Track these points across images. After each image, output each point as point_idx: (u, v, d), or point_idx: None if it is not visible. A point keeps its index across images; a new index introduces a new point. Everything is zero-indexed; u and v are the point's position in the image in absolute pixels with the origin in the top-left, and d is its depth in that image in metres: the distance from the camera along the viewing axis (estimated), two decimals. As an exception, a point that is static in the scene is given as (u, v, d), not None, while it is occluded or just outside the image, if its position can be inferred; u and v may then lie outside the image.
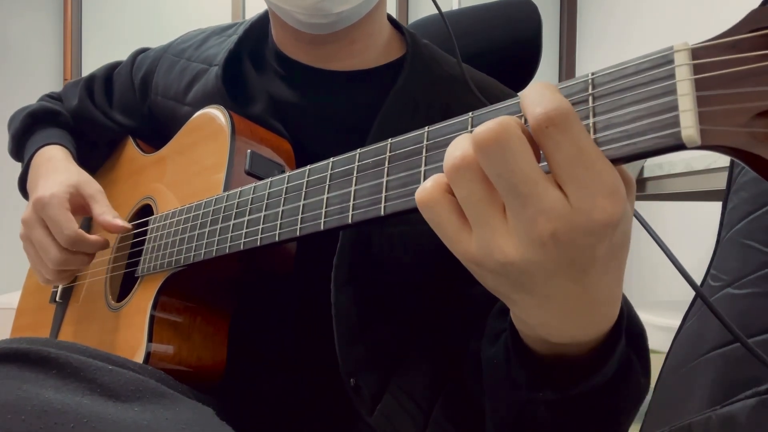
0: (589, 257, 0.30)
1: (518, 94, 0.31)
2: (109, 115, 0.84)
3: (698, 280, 0.77)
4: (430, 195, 0.32)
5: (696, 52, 0.28)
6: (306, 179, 0.47)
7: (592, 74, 0.31)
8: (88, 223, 0.82)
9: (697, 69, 0.28)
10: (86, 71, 2.68)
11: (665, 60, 0.29)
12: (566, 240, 0.29)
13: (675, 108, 0.28)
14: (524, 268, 0.31)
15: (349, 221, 0.41)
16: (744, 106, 0.26)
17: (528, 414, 0.42)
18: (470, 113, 0.36)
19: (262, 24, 0.75)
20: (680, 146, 0.28)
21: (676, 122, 0.28)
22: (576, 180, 0.29)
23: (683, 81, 0.28)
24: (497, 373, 0.46)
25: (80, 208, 0.70)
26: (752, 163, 0.27)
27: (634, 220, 0.38)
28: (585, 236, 0.29)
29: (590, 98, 0.31)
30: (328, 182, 0.44)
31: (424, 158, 0.37)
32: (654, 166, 1.55)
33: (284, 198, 0.48)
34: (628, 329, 0.42)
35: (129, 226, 0.67)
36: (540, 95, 0.29)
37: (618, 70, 0.30)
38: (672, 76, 0.28)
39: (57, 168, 0.73)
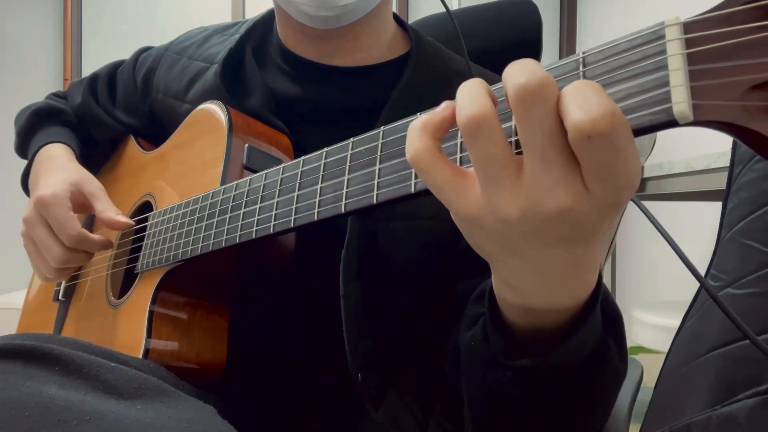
0: (590, 233, 0.31)
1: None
2: (112, 114, 0.84)
3: (698, 280, 0.77)
4: (420, 158, 0.32)
5: (688, 26, 0.27)
6: (300, 170, 0.47)
7: (583, 53, 0.31)
8: (90, 221, 0.82)
9: (689, 43, 0.27)
10: (86, 71, 2.68)
11: (656, 35, 0.28)
12: (574, 219, 0.30)
13: (666, 83, 0.27)
14: (523, 230, 0.31)
15: (342, 210, 0.41)
16: (738, 79, 0.26)
17: (504, 392, 0.42)
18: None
19: (266, 21, 0.75)
20: (672, 122, 0.27)
21: (667, 98, 0.27)
22: (609, 177, 0.28)
23: (674, 56, 0.27)
24: (474, 354, 0.46)
25: (81, 206, 0.70)
26: (747, 139, 0.27)
27: (642, 216, 0.39)
28: (595, 217, 0.30)
29: (581, 77, 0.30)
30: (321, 172, 0.44)
31: None
32: (654, 166, 1.55)
33: (279, 189, 0.48)
34: (605, 312, 0.43)
35: (131, 222, 0.67)
36: (590, 103, 0.28)
37: (609, 48, 0.30)
38: (663, 51, 0.28)
39: (58, 166, 0.74)
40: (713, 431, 0.59)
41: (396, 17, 0.74)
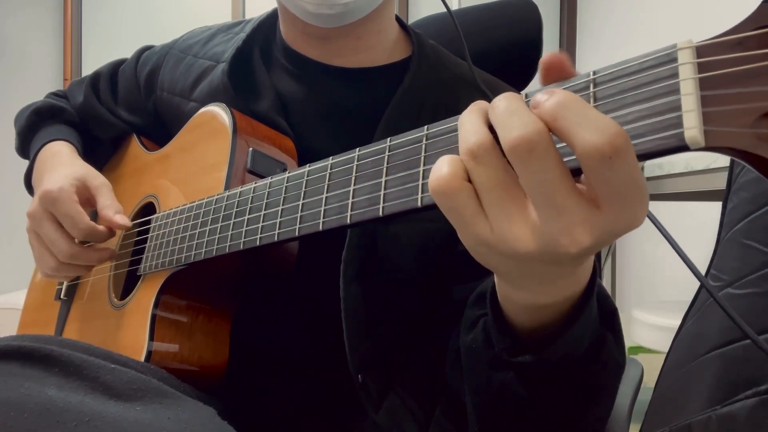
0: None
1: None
2: (114, 112, 0.84)
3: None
4: (448, 183, 0.31)
5: (700, 50, 0.27)
6: (305, 179, 0.46)
7: (594, 73, 0.30)
8: (93, 215, 0.82)
9: (701, 67, 0.27)
10: (86, 71, 2.68)
11: (669, 58, 0.28)
12: (599, 246, 0.30)
13: (678, 108, 0.27)
14: (539, 258, 0.31)
15: (348, 222, 0.41)
16: (749, 107, 0.26)
17: (508, 392, 0.43)
18: None
19: (271, 21, 0.75)
20: (683, 147, 0.27)
21: (679, 123, 0.27)
22: (622, 199, 0.28)
23: (687, 80, 0.27)
24: (477, 356, 0.46)
25: (87, 200, 0.70)
26: (757, 165, 0.26)
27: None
28: (609, 239, 0.30)
29: (591, 98, 0.30)
30: (327, 182, 0.44)
31: (423, 158, 0.37)
32: (654, 166, 1.55)
33: (283, 198, 0.48)
34: (600, 306, 0.43)
35: (128, 224, 0.67)
36: (603, 124, 0.27)
37: (620, 69, 0.29)
38: (675, 74, 0.27)
39: (63, 162, 0.73)
40: (713, 431, 0.58)
41: (399, 20, 0.74)
